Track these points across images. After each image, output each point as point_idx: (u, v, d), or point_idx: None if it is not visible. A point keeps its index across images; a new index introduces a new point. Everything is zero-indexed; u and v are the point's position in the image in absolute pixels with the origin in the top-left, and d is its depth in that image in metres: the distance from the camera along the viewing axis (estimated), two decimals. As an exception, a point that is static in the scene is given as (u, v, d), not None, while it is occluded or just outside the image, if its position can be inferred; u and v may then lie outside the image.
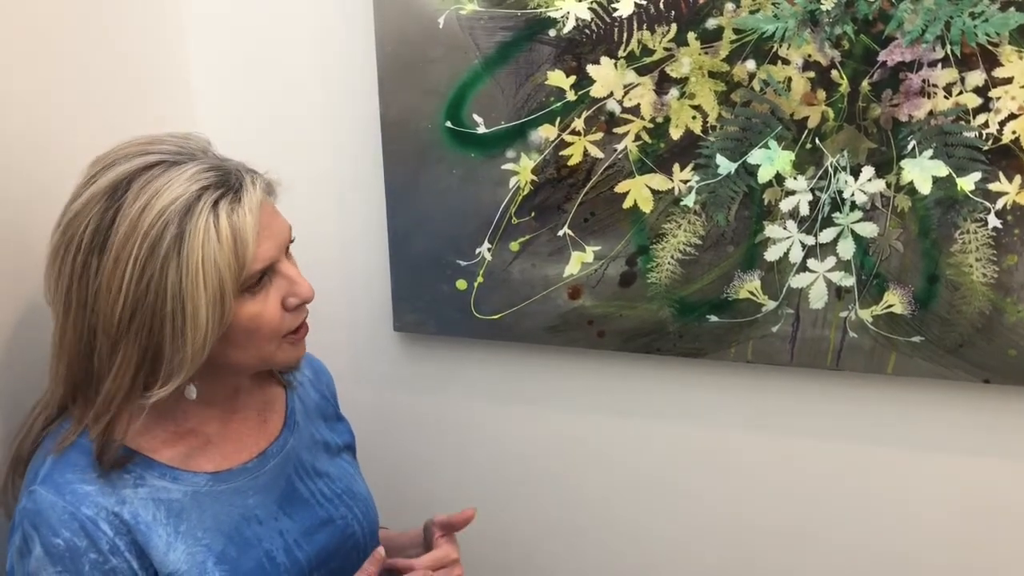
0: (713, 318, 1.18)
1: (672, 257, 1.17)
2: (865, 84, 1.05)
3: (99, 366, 0.82)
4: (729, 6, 1.05)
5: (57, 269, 0.81)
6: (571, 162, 1.16)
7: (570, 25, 1.11)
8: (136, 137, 0.84)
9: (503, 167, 1.18)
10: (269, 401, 1.01)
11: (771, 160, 1.10)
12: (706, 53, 1.08)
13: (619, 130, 1.13)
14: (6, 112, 0.96)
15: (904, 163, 1.06)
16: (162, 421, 0.89)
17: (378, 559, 0.92)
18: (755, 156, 1.10)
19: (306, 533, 0.96)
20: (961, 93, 1.02)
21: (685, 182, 1.13)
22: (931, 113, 1.04)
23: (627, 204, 1.16)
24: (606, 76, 1.11)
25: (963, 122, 1.03)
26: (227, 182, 0.81)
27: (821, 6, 1.03)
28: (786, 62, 1.06)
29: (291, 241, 0.89)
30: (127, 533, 0.82)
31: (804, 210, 1.11)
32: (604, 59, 1.11)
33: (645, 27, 1.09)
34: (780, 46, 1.06)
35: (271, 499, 0.94)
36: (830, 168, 1.09)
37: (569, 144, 1.15)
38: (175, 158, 0.81)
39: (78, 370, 0.83)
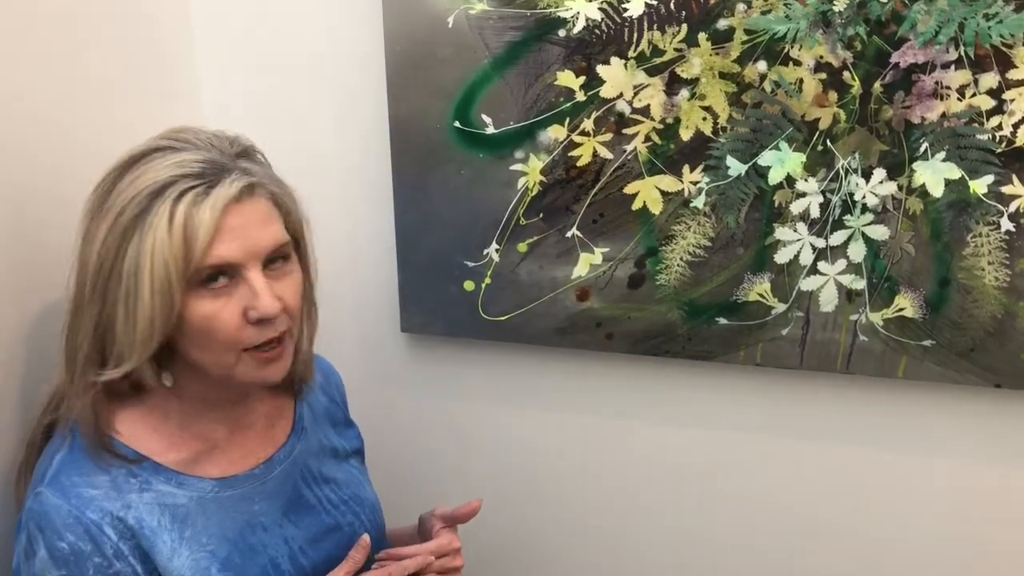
0: (722, 321, 1.17)
1: (681, 259, 1.16)
2: (877, 86, 1.04)
3: (76, 334, 0.83)
4: (740, 7, 1.05)
5: (78, 231, 0.84)
6: (580, 163, 1.15)
7: (580, 25, 1.10)
8: (179, 126, 0.86)
9: (512, 168, 1.18)
10: (278, 407, 1.00)
11: (782, 162, 1.09)
12: (717, 54, 1.07)
13: (629, 131, 1.12)
14: (11, 111, 0.95)
15: (916, 165, 1.05)
16: (168, 424, 0.89)
17: (364, 545, 0.91)
18: (766, 158, 1.10)
19: (312, 541, 0.95)
20: (975, 95, 1.01)
21: (695, 183, 1.12)
22: (944, 115, 1.03)
23: (636, 205, 1.15)
24: (616, 76, 1.11)
25: (976, 124, 1.02)
26: (206, 174, 0.80)
27: (833, 7, 1.02)
28: (797, 63, 1.05)
29: (281, 254, 0.85)
30: (132, 538, 0.82)
31: (815, 212, 1.10)
32: (614, 59, 1.10)
33: (655, 27, 1.08)
34: (792, 47, 1.05)
35: (277, 506, 0.94)
36: (841, 170, 1.08)
37: (578, 145, 1.15)
38: (183, 145, 0.82)
39: (70, 342, 0.84)
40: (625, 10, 1.08)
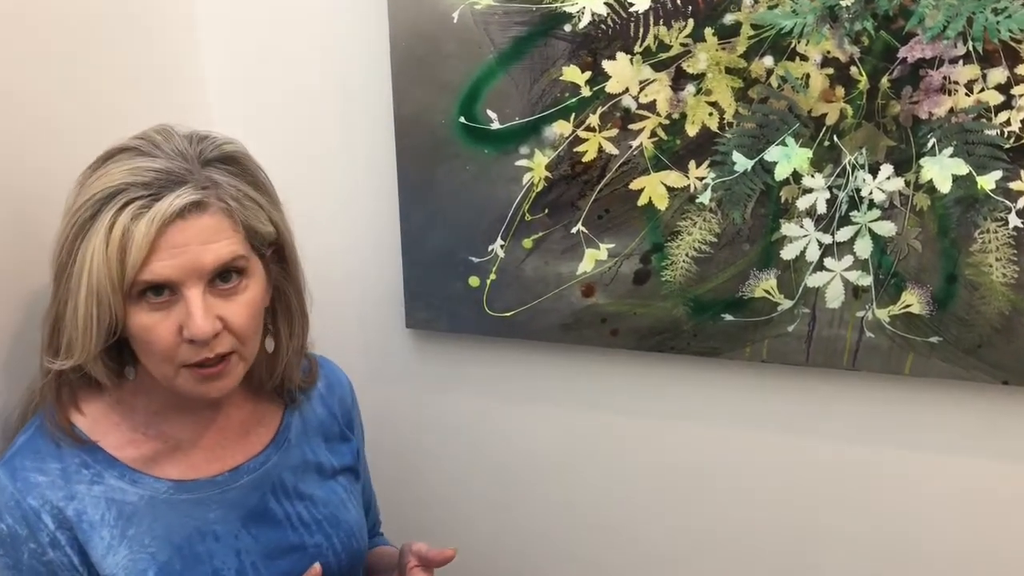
0: (728, 317, 1.17)
1: (687, 255, 1.16)
2: (885, 81, 1.03)
3: (44, 321, 0.85)
4: (747, 1, 1.04)
5: None
6: (585, 159, 1.15)
7: (586, 20, 1.09)
8: (160, 124, 0.85)
9: (517, 163, 1.17)
10: (258, 415, 0.98)
11: (788, 157, 1.09)
12: (723, 49, 1.07)
13: (634, 126, 1.12)
14: (17, 111, 0.95)
15: (923, 161, 1.05)
16: (133, 419, 0.88)
17: (313, 574, 0.87)
18: (772, 153, 1.09)
19: (268, 557, 0.92)
20: (983, 90, 1.01)
21: (701, 179, 1.12)
22: (952, 110, 1.02)
23: (642, 201, 1.15)
24: (622, 72, 1.10)
25: (984, 120, 1.01)
26: (154, 185, 0.78)
27: (841, 2, 1.02)
28: (804, 58, 1.05)
29: (232, 267, 0.82)
30: (69, 529, 0.82)
31: (821, 208, 1.09)
32: (620, 55, 1.10)
33: (662, 22, 1.08)
34: (798, 42, 1.05)
35: (236, 516, 0.91)
36: (848, 166, 1.07)
37: (584, 140, 1.14)
38: (149, 149, 0.81)
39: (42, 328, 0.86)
40: (631, 5, 1.08)
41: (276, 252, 0.90)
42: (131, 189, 0.77)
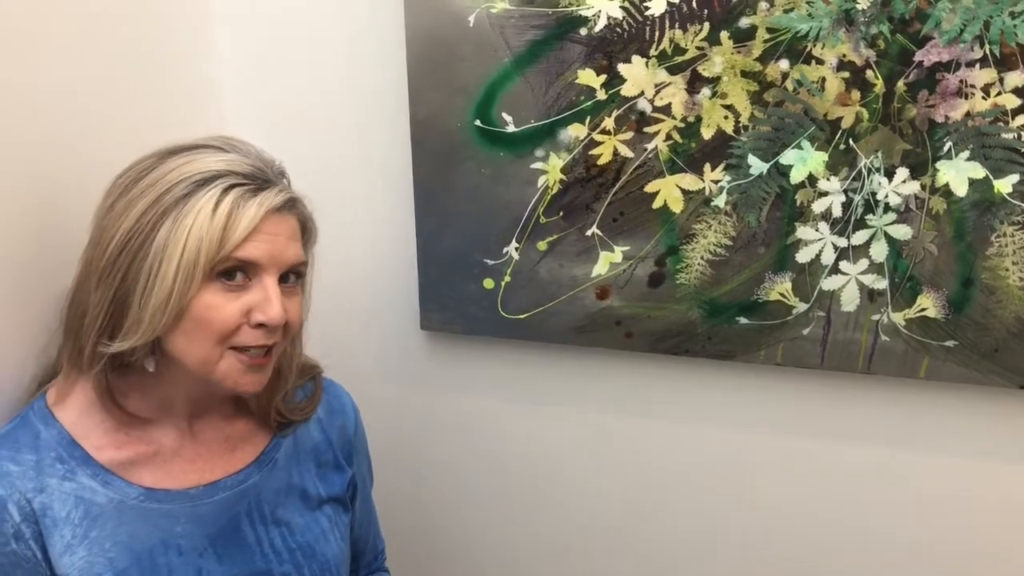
0: (743, 320, 1.17)
1: (702, 258, 1.16)
2: (901, 84, 1.03)
3: (85, 302, 0.84)
4: (763, 5, 1.04)
5: (99, 205, 0.85)
6: (601, 161, 1.15)
7: (601, 24, 1.10)
8: (230, 135, 0.88)
9: (532, 166, 1.18)
10: (246, 432, 0.97)
11: (804, 161, 1.09)
12: (739, 52, 1.07)
13: (650, 129, 1.12)
14: (33, 113, 0.96)
15: (940, 165, 1.05)
16: (114, 418, 0.87)
17: None
18: (788, 156, 1.09)
19: None
20: (1000, 94, 1.01)
21: (716, 182, 1.12)
22: (968, 114, 1.02)
23: (657, 204, 1.15)
24: (637, 75, 1.11)
25: (1001, 123, 1.01)
26: (255, 177, 0.83)
27: (857, 5, 1.02)
28: (820, 62, 1.05)
29: (297, 270, 0.87)
30: (35, 523, 0.82)
31: (837, 211, 1.09)
32: (635, 58, 1.10)
33: (677, 26, 1.08)
34: (814, 46, 1.05)
35: (204, 533, 0.89)
36: (864, 169, 1.07)
37: (599, 143, 1.15)
38: (233, 148, 0.85)
39: (75, 306, 0.86)
40: (647, 8, 1.08)
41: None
42: (231, 176, 0.81)
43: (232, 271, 0.82)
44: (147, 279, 0.79)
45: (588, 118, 1.14)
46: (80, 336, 0.84)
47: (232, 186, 0.81)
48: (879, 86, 1.04)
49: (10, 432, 0.86)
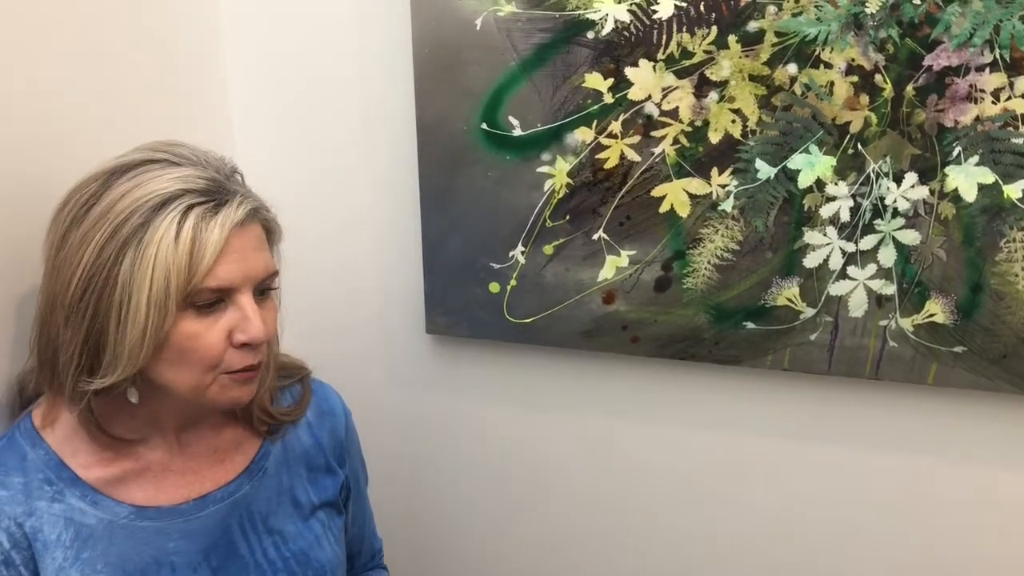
0: (750, 325, 1.16)
1: (709, 263, 1.15)
2: (910, 89, 1.03)
3: (55, 338, 0.81)
4: (771, 9, 1.04)
5: (48, 234, 0.82)
6: (607, 165, 1.15)
7: (609, 27, 1.10)
8: (166, 139, 0.84)
9: (538, 170, 1.17)
10: (235, 441, 0.95)
11: (812, 165, 1.08)
12: (747, 56, 1.06)
13: (657, 133, 1.12)
14: (34, 112, 0.96)
15: (949, 170, 1.04)
16: (102, 438, 0.85)
17: None
18: (795, 161, 1.09)
19: None
20: (1010, 98, 1.00)
21: (723, 187, 1.12)
22: (978, 119, 1.01)
23: (664, 208, 1.15)
24: (644, 79, 1.10)
25: (1011, 128, 1.01)
26: (212, 192, 0.79)
27: (865, 9, 1.01)
28: (828, 66, 1.04)
29: (269, 284, 0.85)
30: (27, 548, 0.81)
31: (845, 216, 1.09)
32: (643, 61, 1.10)
33: (685, 29, 1.07)
34: (823, 50, 1.04)
35: (197, 547, 0.88)
36: (872, 174, 1.07)
37: (606, 147, 1.14)
38: (181, 160, 0.81)
39: (44, 339, 0.83)
40: (654, 12, 1.08)
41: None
42: (188, 195, 0.77)
43: (206, 296, 0.79)
44: (118, 315, 0.76)
45: (595, 122, 1.14)
46: (58, 373, 0.82)
47: (190, 207, 0.77)
48: (888, 90, 1.04)
49: None
